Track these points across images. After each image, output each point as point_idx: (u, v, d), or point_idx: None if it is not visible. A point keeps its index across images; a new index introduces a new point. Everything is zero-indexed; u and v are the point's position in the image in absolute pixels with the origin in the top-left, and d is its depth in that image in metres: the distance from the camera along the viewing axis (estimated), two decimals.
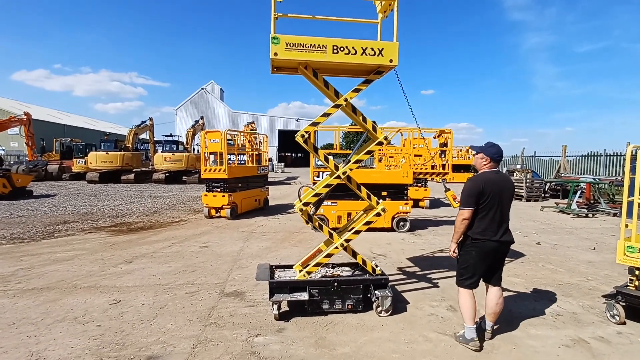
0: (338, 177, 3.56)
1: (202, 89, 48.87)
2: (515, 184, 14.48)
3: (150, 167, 23.43)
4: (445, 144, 11.49)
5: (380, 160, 12.67)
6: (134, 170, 21.82)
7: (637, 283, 3.42)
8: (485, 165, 3.09)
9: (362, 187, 3.75)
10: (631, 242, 3.36)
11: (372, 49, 3.27)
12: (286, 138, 45.88)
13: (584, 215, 10.37)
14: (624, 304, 3.45)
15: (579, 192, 11.48)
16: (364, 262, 3.75)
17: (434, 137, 13.17)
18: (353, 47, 3.23)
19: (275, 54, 3.16)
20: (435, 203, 12.54)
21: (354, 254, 3.75)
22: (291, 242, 6.77)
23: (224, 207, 8.96)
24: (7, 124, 21.45)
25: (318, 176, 8.29)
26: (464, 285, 3.04)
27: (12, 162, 25.75)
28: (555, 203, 12.43)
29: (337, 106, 3.49)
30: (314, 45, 3.18)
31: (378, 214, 3.66)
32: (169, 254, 5.84)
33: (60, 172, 22.43)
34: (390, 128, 11.02)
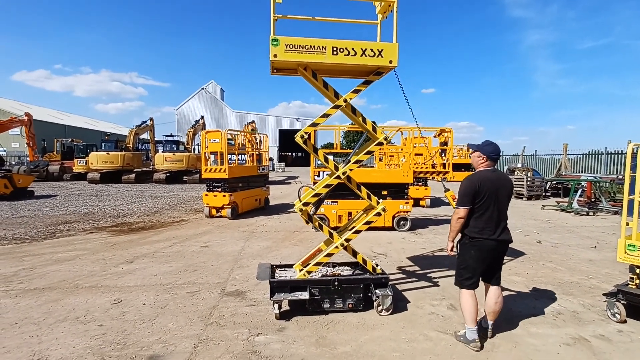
0: (338, 177, 3.57)
1: (203, 88, 48.92)
2: (516, 183, 14.49)
3: (151, 167, 23.45)
4: (445, 143, 11.49)
5: (380, 160, 12.66)
6: (135, 170, 21.86)
7: (637, 281, 3.43)
8: (482, 163, 3.07)
9: (362, 187, 3.75)
10: (632, 241, 3.37)
11: (371, 50, 3.26)
12: (287, 137, 45.87)
13: (585, 213, 10.35)
14: (625, 302, 3.45)
15: (579, 191, 11.46)
16: (365, 261, 3.76)
17: (435, 136, 13.15)
18: (353, 49, 3.23)
19: (275, 56, 3.16)
20: (436, 202, 12.53)
21: (355, 253, 3.75)
22: (292, 241, 6.78)
23: (224, 206, 8.97)
24: (8, 124, 21.45)
25: (319, 175, 8.29)
26: (464, 286, 3.03)
27: (13, 163, 25.83)
28: (556, 201, 12.41)
29: (336, 107, 3.49)
30: (314, 46, 3.18)
31: (378, 214, 3.66)
32: (170, 253, 5.86)
33: (61, 173, 22.49)
34: (391, 127, 11.02)
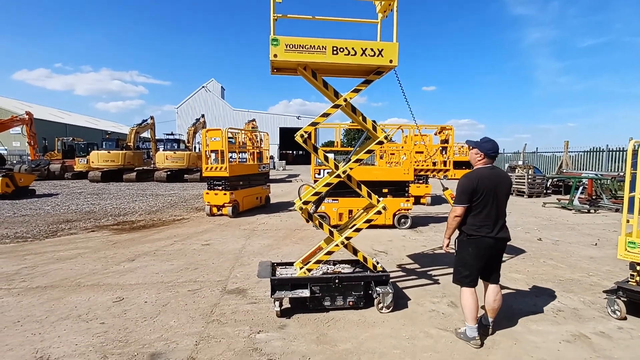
0: (338, 176, 3.57)
1: (203, 87, 48.89)
2: (518, 180, 14.48)
3: (152, 165, 23.49)
4: (446, 141, 11.49)
5: (381, 157, 12.66)
6: (136, 168, 21.89)
7: (638, 278, 3.43)
8: (479, 161, 3.06)
9: (362, 185, 3.76)
10: (632, 238, 3.37)
11: (371, 49, 3.25)
12: (287, 136, 45.84)
13: (586, 211, 10.34)
14: (625, 299, 3.46)
15: (580, 188, 11.44)
16: (365, 259, 3.77)
17: (435, 134, 13.15)
18: (353, 48, 3.22)
19: (275, 56, 3.16)
20: (437, 200, 12.52)
21: (355, 251, 3.76)
22: (293, 239, 6.79)
23: (225, 205, 8.99)
24: (9, 123, 21.52)
25: (319, 174, 8.30)
26: (463, 284, 3.04)
27: (14, 162, 25.91)
28: (557, 199, 12.40)
29: (336, 106, 3.49)
30: (314, 46, 3.17)
31: (378, 212, 3.67)
32: (171, 252, 5.88)
33: (62, 171, 22.53)
34: (392, 125, 11.01)
